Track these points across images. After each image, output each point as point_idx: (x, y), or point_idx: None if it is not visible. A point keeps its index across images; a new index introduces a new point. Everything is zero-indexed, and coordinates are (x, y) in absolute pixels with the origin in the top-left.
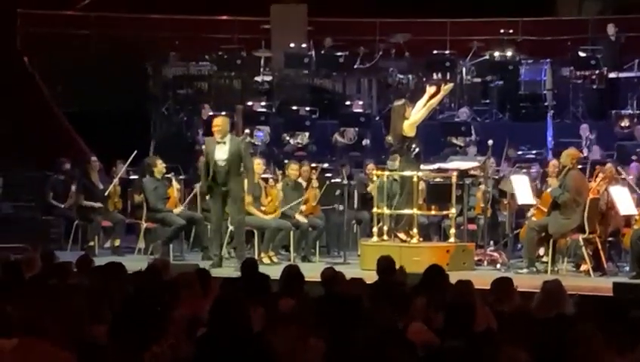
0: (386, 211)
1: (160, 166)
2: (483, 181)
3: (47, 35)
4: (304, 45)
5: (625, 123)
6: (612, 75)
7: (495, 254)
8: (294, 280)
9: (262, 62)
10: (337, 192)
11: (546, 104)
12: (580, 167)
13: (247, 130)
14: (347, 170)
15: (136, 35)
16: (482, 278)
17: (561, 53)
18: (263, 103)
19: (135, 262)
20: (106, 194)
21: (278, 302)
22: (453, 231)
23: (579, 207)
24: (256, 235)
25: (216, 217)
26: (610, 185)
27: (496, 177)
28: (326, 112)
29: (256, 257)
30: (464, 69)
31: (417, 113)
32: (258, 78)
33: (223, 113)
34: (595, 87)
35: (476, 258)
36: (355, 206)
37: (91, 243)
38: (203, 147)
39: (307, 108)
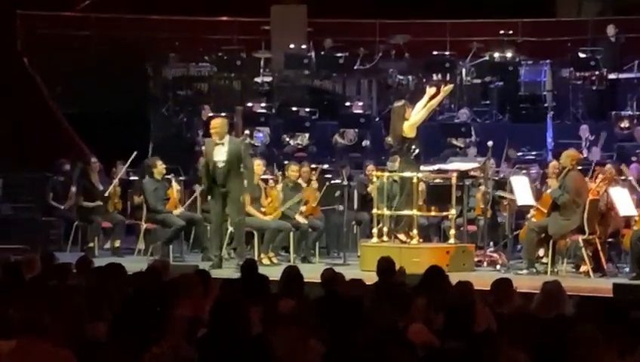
0: (386, 212)
1: (160, 167)
2: (483, 182)
3: (48, 36)
4: (304, 46)
5: (625, 124)
6: (612, 76)
7: (495, 255)
8: (294, 281)
9: (262, 63)
10: (337, 193)
11: (545, 105)
12: (579, 168)
13: (247, 131)
14: (347, 171)
15: (136, 36)
16: (482, 279)
17: (560, 54)
18: (263, 104)
19: (135, 263)
20: (105, 195)
21: (277, 303)
22: (453, 232)
23: (579, 208)
24: (256, 236)
25: (217, 218)
26: (610, 186)
27: (496, 178)
28: (326, 113)
29: (255, 258)
30: (464, 70)
31: (417, 114)
32: (258, 79)
33: (223, 114)
34: (594, 88)
35: (476, 259)
36: (355, 207)
37: (91, 245)
38: (203, 148)
39: (307, 109)
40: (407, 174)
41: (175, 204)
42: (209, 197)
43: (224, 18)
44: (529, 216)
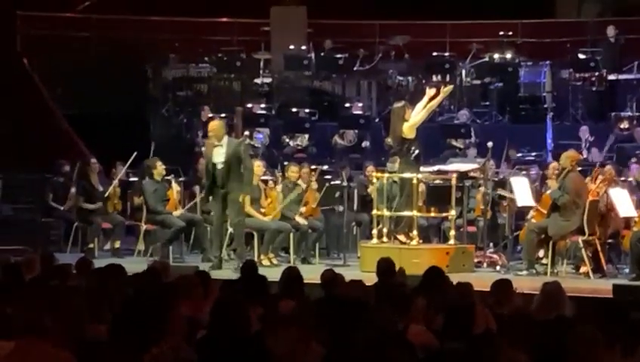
0: (386, 213)
1: (159, 168)
2: (483, 183)
3: (47, 36)
4: (304, 47)
5: (624, 125)
6: (611, 77)
7: (495, 256)
8: (294, 282)
9: (261, 64)
10: (337, 194)
11: (545, 106)
12: (579, 169)
13: (246, 132)
14: (347, 172)
15: (136, 37)
16: (482, 280)
17: (560, 55)
18: (263, 105)
19: (135, 264)
20: (105, 195)
21: (277, 303)
22: (452, 233)
23: (578, 209)
24: (255, 237)
25: (217, 219)
26: (610, 187)
27: (496, 179)
28: (326, 114)
29: (255, 259)
30: (464, 71)
31: (417, 115)
32: (258, 80)
33: (222, 115)
34: (594, 89)
35: (476, 260)
36: (355, 208)
37: (91, 245)
38: (203, 149)
39: (307, 110)
40: (406, 175)
41: (175, 204)
42: (210, 199)
43: (224, 19)
44: (529, 217)
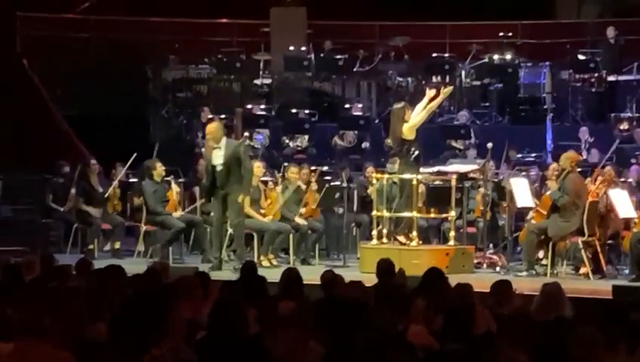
0: (386, 214)
1: (159, 169)
2: (482, 184)
3: (47, 37)
4: (304, 48)
5: (624, 126)
6: (611, 78)
7: (494, 257)
8: (294, 283)
9: (261, 65)
10: (337, 195)
11: (545, 107)
12: (579, 170)
13: (246, 133)
14: (347, 172)
15: (136, 38)
16: (482, 281)
17: (560, 56)
18: (263, 106)
19: (134, 265)
20: (105, 196)
21: (277, 304)
22: (452, 233)
23: (578, 210)
24: (255, 238)
25: (217, 220)
26: (610, 188)
27: (496, 180)
28: (325, 115)
29: (255, 260)
30: (463, 72)
31: (417, 116)
32: (257, 81)
33: (222, 116)
34: (594, 90)
35: (476, 261)
36: (355, 209)
37: (91, 246)
38: (203, 150)
39: (307, 111)
40: (406, 176)
41: (175, 205)
42: (211, 199)
43: (224, 20)
44: (528, 217)
